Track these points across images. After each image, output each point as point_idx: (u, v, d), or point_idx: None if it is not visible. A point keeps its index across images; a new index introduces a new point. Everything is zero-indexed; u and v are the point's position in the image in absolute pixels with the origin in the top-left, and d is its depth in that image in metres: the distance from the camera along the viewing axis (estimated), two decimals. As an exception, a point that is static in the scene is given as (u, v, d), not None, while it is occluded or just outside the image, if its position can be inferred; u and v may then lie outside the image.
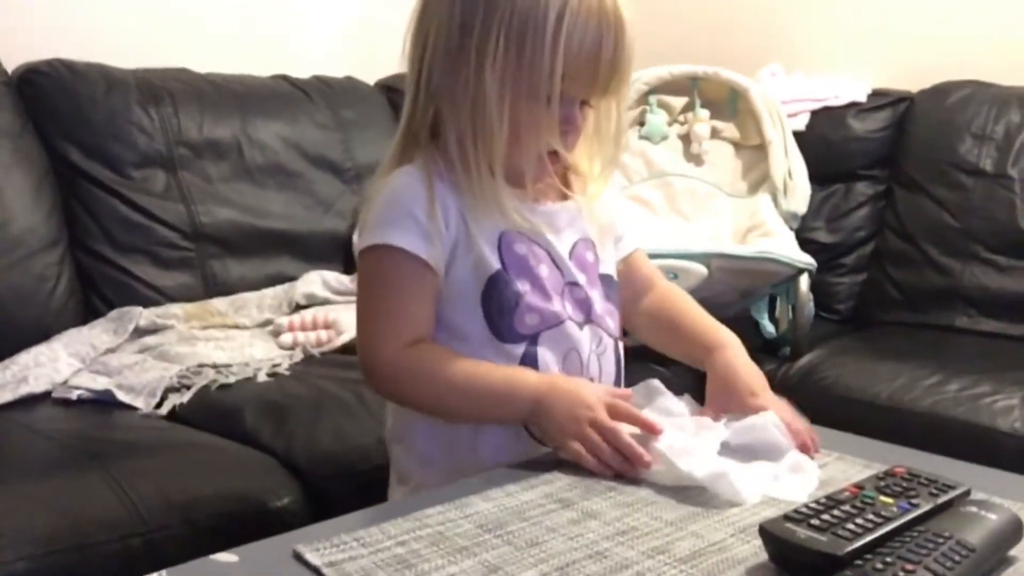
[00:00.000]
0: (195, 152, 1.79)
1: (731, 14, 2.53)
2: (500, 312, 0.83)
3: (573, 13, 0.78)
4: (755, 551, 0.63)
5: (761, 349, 1.66)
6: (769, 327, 1.76)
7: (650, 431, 0.76)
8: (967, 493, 0.68)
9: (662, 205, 1.97)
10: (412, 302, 0.82)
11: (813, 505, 0.63)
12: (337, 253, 1.93)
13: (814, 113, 2.14)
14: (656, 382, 0.84)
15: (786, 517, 0.61)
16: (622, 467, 0.75)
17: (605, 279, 0.91)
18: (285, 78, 2.05)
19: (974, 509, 0.63)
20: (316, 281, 1.83)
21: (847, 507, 0.63)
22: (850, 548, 0.57)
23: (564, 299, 0.86)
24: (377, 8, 2.34)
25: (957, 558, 0.56)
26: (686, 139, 2.05)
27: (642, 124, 2.07)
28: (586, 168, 0.90)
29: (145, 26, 1.96)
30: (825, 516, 0.61)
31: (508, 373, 0.83)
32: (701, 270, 1.58)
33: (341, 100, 2.07)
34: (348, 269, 1.92)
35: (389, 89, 2.20)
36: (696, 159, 2.03)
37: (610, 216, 0.93)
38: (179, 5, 2.01)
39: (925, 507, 0.64)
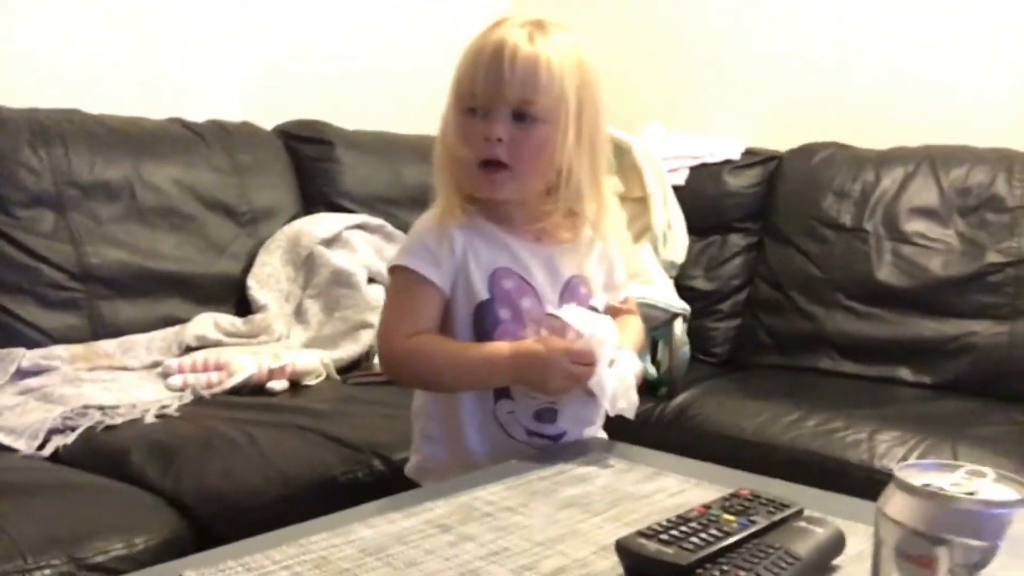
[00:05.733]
0: (85, 193, 1.77)
1: (618, 76, 2.67)
2: (482, 335, 1.04)
3: (467, 49, 1.03)
4: (613, 565, 0.69)
5: (640, 390, 1.74)
6: (651, 369, 1.86)
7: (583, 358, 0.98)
8: (800, 512, 0.76)
9: (551, 252, 2.06)
10: (416, 306, 1.03)
11: (664, 523, 0.70)
12: (230, 295, 1.94)
13: (692, 169, 2.28)
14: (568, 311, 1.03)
15: (639, 533, 0.68)
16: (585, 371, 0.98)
17: (592, 311, 1.08)
18: (180, 121, 2.05)
19: (804, 524, 0.71)
20: (207, 323, 1.83)
21: (694, 524, 0.70)
22: (693, 559, 0.64)
23: (540, 328, 1.04)
24: (276, 54, 2.38)
25: (784, 565, 0.64)
26: (574, 190, 2.15)
27: (533, 175, 2.16)
28: (585, 210, 1.07)
29: (37, 66, 1.95)
30: (674, 532, 0.68)
31: (484, 348, 1.02)
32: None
33: (238, 145, 2.09)
34: (240, 311, 1.93)
35: (287, 135, 2.23)
36: (584, 209, 2.13)
37: (613, 264, 1.14)
38: (72, 45, 2.00)
39: (762, 523, 0.71)
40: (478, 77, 1.01)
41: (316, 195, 2.20)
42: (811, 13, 2.33)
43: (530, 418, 1.06)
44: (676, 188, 2.11)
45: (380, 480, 1.26)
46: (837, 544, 0.70)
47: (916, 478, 0.49)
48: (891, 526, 0.48)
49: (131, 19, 2.11)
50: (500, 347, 1.02)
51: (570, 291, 1.08)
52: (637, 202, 2.09)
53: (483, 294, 1.04)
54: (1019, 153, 1.93)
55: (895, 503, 0.48)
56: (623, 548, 0.67)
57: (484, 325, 1.04)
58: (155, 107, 2.05)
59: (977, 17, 2.10)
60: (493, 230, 1.06)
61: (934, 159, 2.00)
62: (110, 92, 2.03)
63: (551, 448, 1.05)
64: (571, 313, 1.01)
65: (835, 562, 0.70)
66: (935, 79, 2.15)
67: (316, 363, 1.76)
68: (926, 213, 1.96)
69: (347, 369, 1.83)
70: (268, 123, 2.25)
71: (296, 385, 1.71)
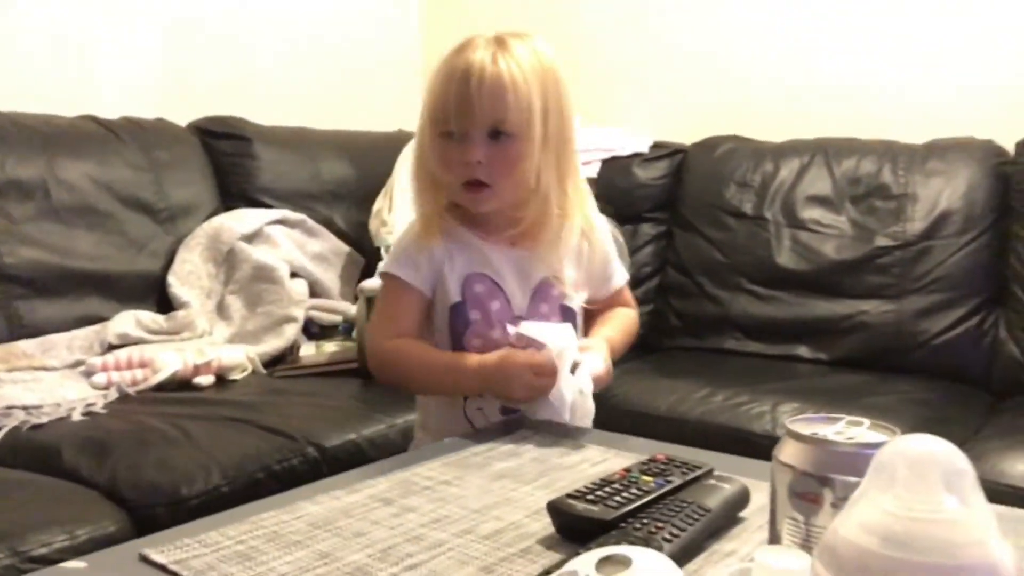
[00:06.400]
0: (-3, 192, 1.75)
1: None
2: (455, 335, 1.12)
3: (436, 74, 1.09)
4: (545, 526, 0.76)
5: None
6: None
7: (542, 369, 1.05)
8: (710, 472, 0.84)
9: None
10: (398, 310, 1.13)
11: (589, 485, 0.77)
12: (151, 293, 1.93)
13: (605, 162, 2.37)
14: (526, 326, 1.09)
15: (568, 495, 0.75)
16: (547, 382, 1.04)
17: (565, 310, 1.16)
18: (93, 119, 2.03)
19: (713, 482, 0.79)
20: (129, 321, 1.83)
21: (616, 485, 0.77)
22: (616, 514, 0.71)
23: (510, 341, 1.09)
24: (186, 51, 2.37)
25: (696, 516, 0.72)
26: (491, 183, 2.21)
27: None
28: (553, 211, 1.13)
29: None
30: (599, 492, 0.75)
31: (452, 357, 1.11)
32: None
33: (153, 141, 2.08)
34: (162, 309, 1.93)
35: (202, 131, 2.23)
36: (501, 202, 2.19)
37: (603, 257, 1.21)
38: (-22, 42, 1.96)
39: (676, 482, 0.79)
40: (450, 103, 1.06)
41: (234, 191, 2.20)
42: (716, 19, 2.45)
43: (497, 414, 1.14)
44: (589, 180, 2.19)
45: (314, 467, 1.30)
46: (743, 498, 0.79)
47: (805, 428, 0.57)
48: (785, 470, 0.56)
49: (39, 15, 2.07)
50: (467, 358, 1.09)
51: (541, 293, 1.15)
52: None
53: (456, 297, 1.12)
54: (903, 145, 2.08)
55: (787, 450, 0.56)
56: (554, 508, 0.74)
57: (457, 326, 1.12)
58: (66, 104, 2.02)
59: (861, 18, 2.25)
60: (470, 236, 1.13)
61: (827, 151, 2.14)
62: (19, 90, 2.00)
63: (483, 429, 1.11)
64: (532, 328, 1.07)
65: (742, 514, 0.78)
66: (826, 76, 2.30)
67: (242, 358, 1.78)
68: (820, 201, 2.10)
69: (272, 363, 1.86)
70: (181, 120, 2.24)
71: (222, 380, 1.73)
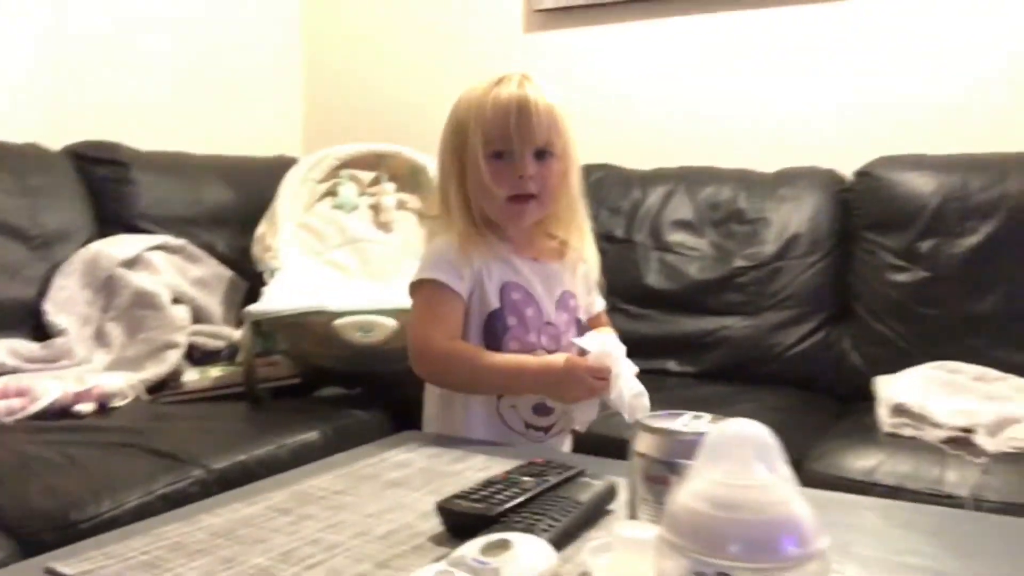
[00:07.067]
0: None
1: (411, 99, 2.84)
2: (494, 339, 1.22)
3: (481, 105, 1.23)
4: (435, 526, 0.83)
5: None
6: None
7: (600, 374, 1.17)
8: (582, 472, 0.93)
9: (356, 268, 2.16)
10: (446, 313, 1.22)
11: (474, 487, 0.85)
12: (26, 321, 1.89)
13: (484, 187, 2.46)
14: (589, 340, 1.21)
15: (455, 496, 0.82)
16: (603, 385, 1.17)
17: (578, 322, 1.32)
18: (-39, 143, 1.98)
19: (585, 480, 0.89)
20: (2, 350, 1.79)
21: (499, 485, 0.85)
22: (499, 510, 0.79)
23: (541, 334, 1.25)
24: (60, 75, 2.33)
25: (569, 509, 0.81)
26: (376, 209, 2.27)
27: (335, 195, 2.27)
28: (570, 234, 1.31)
29: None
30: (483, 492, 0.83)
31: (516, 360, 1.21)
32: (392, 324, 1.79)
33: (25, 166, 2.04)
34: (38, 337, 1.89)
35: (77, 156, 2.19)
36: (385, 227, 2.25)
37: (595, 280, 1.37)
38: None
39: (552, 481, 0.88)
40: (510, 127, 1.21)
41: (112, 217, 2.18)
42: (589, 59, 2.60)
43: (529, 412, 1.26)
44: (470, 206, 2.28)
45: (205, 488, 1.32)
46: (610, 493, 0.88)
47: (655, 423, 0.66)
48: (639, 458, 0.65)
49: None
50: (529, 361, 1.21)
51: (563, 303, 1.30)
52: (436, 219, 2.24)
53: (495, 304, 1.24)
54: (756, 173, 2.27)
55: (642, 442, 0.66)
56: (443, 508, 0.81)
57: (495, 331, 1.23)
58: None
59: (719, 58, 2.44)
60: (502, 250, 1.26)
61: (689, 179, 2.31)
62: None
63: (373, 443, 1.17)
64: (586, 338, 1.20)
65: (610, 507, 0.88)
66: (688, 110, 2.48)
67: (123, 384, 1.77)
68: (684, 225, 2.26)
69: (155, 390, 1.85)
70: (56, 144, 2.20)
71: (103, 408, 1.71)
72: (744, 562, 0.45)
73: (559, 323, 1.29)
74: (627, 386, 1.18)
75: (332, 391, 1.97)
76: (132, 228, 2.17)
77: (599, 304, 1.42)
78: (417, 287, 1.25)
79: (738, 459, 0.49)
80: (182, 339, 1.96)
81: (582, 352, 1.19)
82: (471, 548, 0.63)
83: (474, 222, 1.25)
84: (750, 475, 0.48)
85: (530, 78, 1.25)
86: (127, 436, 1.45)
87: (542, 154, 1.24)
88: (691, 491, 0.50)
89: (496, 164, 1.23)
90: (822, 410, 1.93)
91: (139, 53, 2.53)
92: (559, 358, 1.20)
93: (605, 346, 1.19)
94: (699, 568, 0.46)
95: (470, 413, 1.26)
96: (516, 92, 1.22)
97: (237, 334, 2.04)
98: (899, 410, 1.64)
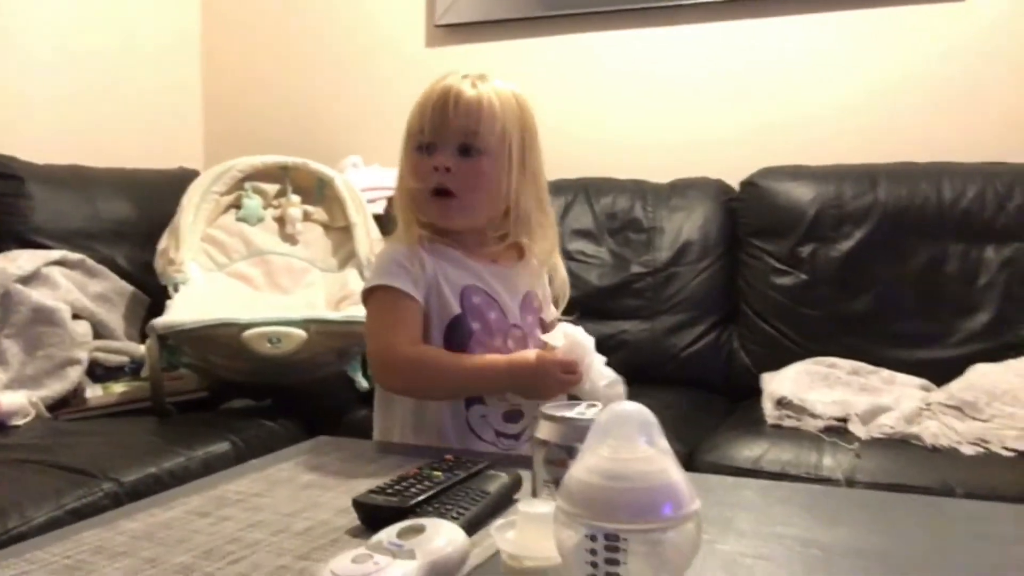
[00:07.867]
0: None
1: (314, 111, 2.86)
2: (458, 344, 1.18)
3: (419, 98, 1.21)
4: (351, 521, 0.87)
5: (356, 400, 1.93)
6: (363, 382, 2.03)
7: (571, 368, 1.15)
8: (490, 466, 0.99)
9: (262, 280, 2.17)
10: (405, 317, 1.16)
11: (388, 482, 0.90)
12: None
13: (390, 199, 2.50)
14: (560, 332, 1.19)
15: (370, 491, 0.87)
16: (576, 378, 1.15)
17: (542, 322, 1.29)
18: None
19: (493, 473, 0.95)
20: None
21: (411, 480, 0.90)
22: (412, 502, 0.84)
23: (507, 337, 1.21)
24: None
25: (478, 498, 0.86)
26: (281, 221, 2.28)
27: (239, 207, 2.27)
28: (536, 240, 1.25)
29: None
30: (397, 487, 0.88)
31: (484, 359, 1.17)
32: (301, 334, 1.81)
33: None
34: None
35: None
36: (291, 239, 2.27)
37: (559, 284, 1.32)
38: None
39: (462, 475, 0.93)
40: (426, 117, 1.17)
41: (6, 232, 2.13)
42: (488, 67, 2.68)
43: (500, 420, 1.22)
44: (376, 216, 2.32)
45: (116, 501, 1.32)
46: (516, 484, 0.94)
47: (554, 411, 0.73)
48: (540, 444, 0.72)
49: None
50: (498, 360, 1.17)
51: (527, 304, 1.26)
52: (342, 231, 2.28)
53: (455, 309, 1.19)
54: (651, 184, 2.38)
55: (542, 429, 0.72)
56: (358, 503, 0.86)
57: (458, 336, 1.19)
58: None
59: (613, 75, 2.56)
60: (454, 253, 1.21)
61: (588, 189, 2.40)
62: None
63: (287, 449, 1.20)
64: (554, 333, 1.17)
65: (516, 496, 0.94)
66: (585, 123, 2.58)
67: (23, 402, 1.74)
68: (584, 234, 2.35)
69: (56, 407, 1.82)
70: (-56, 158, 2.14)
71: (3, 426, 1.68)
72: (631, 523, 0.52)
73: (524, 325, 1.25)
74: (600, 376, 1.18)
75: (241, 403, 1.97)
76: (28, 243, 2.13)
77: (552, 313, 1.36)
78: (369, 295, 1.19)
79: (623, 436, 0.56)
80: (83, 355, 1.93)
81: (550, 349, 1.17)
82: (388, 533, 0.68)
83: (420, 223, 1.21)
84: (634, 449, 0.55)
85: (486, 77, 1.22)
86: (31, 452, 1.43)
87: (467, 150, 1.18)
88: (584, 466, 0.56)
89: (416, 156, 1.19)
90: (714, 406, 2.05)
91: (30, 64, 2.47)
92: (530, 354, 1.17)
93: (574, 339, 1.17)
94: (592, 532, 0.53)
95: (439, 427, 1.21)
96: (446, 84, 1.19)
97: (141, 349, 2.02)
98: (782, 403, 1.76)
